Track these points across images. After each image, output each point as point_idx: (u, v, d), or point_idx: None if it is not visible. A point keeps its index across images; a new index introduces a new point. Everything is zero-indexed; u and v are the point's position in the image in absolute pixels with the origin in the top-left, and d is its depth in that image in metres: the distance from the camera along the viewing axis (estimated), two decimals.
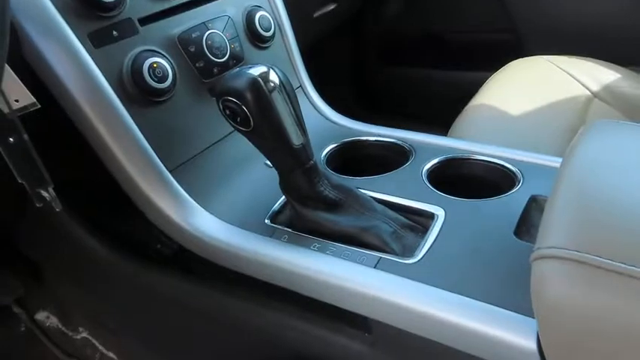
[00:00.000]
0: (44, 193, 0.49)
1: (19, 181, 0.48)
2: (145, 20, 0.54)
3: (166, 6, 0.57)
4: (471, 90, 0.98)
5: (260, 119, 0.45)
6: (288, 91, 0.47)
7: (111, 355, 0.85)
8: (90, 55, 0.49)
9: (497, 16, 1.26)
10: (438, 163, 0.58)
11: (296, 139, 0.48)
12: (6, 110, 0.42)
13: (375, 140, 0.65)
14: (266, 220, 0.54)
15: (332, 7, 1.14)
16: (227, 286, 0.57)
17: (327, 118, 0.71)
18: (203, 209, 0.54)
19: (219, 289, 0.59)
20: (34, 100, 0.43)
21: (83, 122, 0.50)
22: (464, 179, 0.58)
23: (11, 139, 0.44)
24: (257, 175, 0.60)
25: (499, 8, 1.24)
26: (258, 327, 0.56)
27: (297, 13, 0.76)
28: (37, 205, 0.51)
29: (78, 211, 0.65)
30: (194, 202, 0.54)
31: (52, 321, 0.88)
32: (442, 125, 0.91)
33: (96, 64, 0.49)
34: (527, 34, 1.24)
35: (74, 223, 0.66)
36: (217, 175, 0.58)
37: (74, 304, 0.85)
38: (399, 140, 0.64)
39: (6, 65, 0.40)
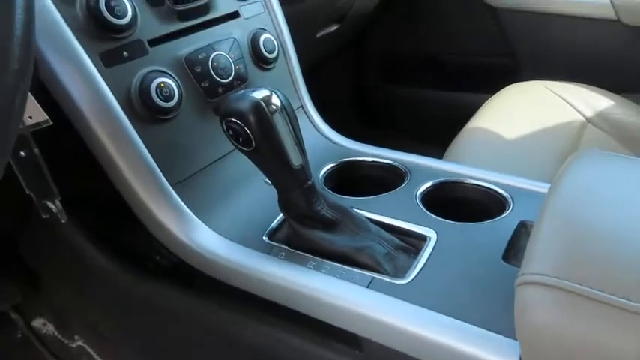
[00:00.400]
0: (51, 205, 0.51)
1: (27, 192, 0.50)
2: (154, 42, 0.57)
3: (175, 28, 0.59)
4: (468, 111, 1.01)
5: (261, 140, 0.47)
6: (289, 113, 0.49)
7: None
8: (101, 74, 0.51)
9: (496, 41, 1.29)
10: (432, 186, 0.60)
11: (295, 159, 0.50)
12: (19, 126, 0.44)
13: (372, 161, 0.67)
14: (264, 237, 0.56)
15: (334, 28, 1.17)
16: (224, 300, 0.59)
17: (326, 138, 0.73)
18: (203, 224, 0.56)
19: (216, 303, 0.60)
20: (47, 117, 0.45)
21: (92, 138, 0.52)
22: (456, 202, 0.60)
23: (22, 153, 0.46)
24: (256, 193, 0.62)
25: (498, 34, 1.27)
26: (253, 341, 0.58)
27: (300, 33, 0.79)
28: (44, 216, 0.52)
29: (80, 221, 0.67)
30: (195, 217, 0.56)
31: (49, 328, 0.89)
32: (439, 145, 0.94)
33: (106, 83, 0.52)
34: (525, 60, 1.28)
35: (76, 233, 0.67)
36: (218, 192, 0.60)
37: (71, 312, 0.86)
38: (395, 162, 0.66)
39: None
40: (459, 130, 0.94)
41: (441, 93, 1.39)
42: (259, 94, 0.47)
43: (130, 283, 0.69)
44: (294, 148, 0.49)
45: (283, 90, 0.49)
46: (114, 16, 0.52)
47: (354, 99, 1.53)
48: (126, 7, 0.53)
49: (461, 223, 0.54)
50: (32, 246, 0.80)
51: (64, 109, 0.50)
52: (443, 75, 1.42)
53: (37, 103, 0.45)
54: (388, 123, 1.51)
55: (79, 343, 0.87)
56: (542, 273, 0.36)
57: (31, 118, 0.45)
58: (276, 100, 0.48)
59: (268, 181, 0.64)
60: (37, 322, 0.89)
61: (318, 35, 1.11)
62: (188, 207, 0.57)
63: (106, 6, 0.51)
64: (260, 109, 0.47)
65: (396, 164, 0.65)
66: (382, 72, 1.49)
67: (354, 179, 0.68)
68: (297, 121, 0.50)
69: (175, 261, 0.59)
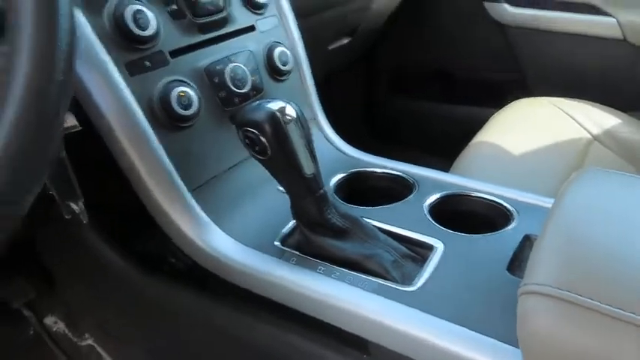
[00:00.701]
0: (74, 206, 0.53)
1: (49, 192, 0.52)
2: (175, 53, 0.59)
3: (194, 40, 0.61)
4: (475, 125, 1.03)
5: (276, 149, 0.50)
6: (303, 124, 0.51)
7: None
8: (125, 82, 0.54)
9: (503, 56, 1.31)
10: (439, 198, 0.62)
11: (308, 168, 0.52)
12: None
13: (381, 172, 0.69)
14: (276, 243, 0.58)
15: (346, 41, 1.20)
16: (236, 303, 0.61)
17: (337, 149, 0.75)
18: (218, 228, 0.58)
19: (228, 305, 0.62)
20: (77, 122, 0.47)
21: (115, 143, 0.54)
22: (462, 214, 0.62)
23: None
24: (269, 199, 0.64)
25: (505, 49, 1.30)
26: (263, 343, 0.59)
27: (313, 45, 0.81)
28: (66, 216, 0.55)
29: (99, 222, 0.69)
30: (210, 222, 0.58)
31: (60, 326, 0.91)
32: (446, 157, 0.96)
33: (130, 91, 0.54)
34: (531, 76, 1.30)
35: (94, 234, 0.70)
36: (233, 197, 0.62)
37: (83, 311, 0.88)
38: (403, 174, 0.68)
39: None
40: (466, 144, 0.96)
41: (449, 107, 1.41)
42: (275, 105, 0.50)
43: (144, 284, 0.71)
44: (307, 158, 0.52)
45: (296, 101, 0.52)
46: (139, 28, 0.55)
47: (364, 111, 1.56)
48: (150, 20, 0.56)
49: (467, 234, 0.55)
50: (49, 244, 0.82)
51: (90, 115, 0.53)
52: (450, 89, 1.44)
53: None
54: (397, 135, 1.53)
55: (89, 342, 0.89)
56: (544, 284, 0.38)
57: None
58: (291, 111, 0.50)
59: (281, 188, 0.66)
60: (49, 320, 0.91)
61: (330, 48, 1.14)
62: (204, 211, 0.59)
63: (132, 18, 0.54)
64: (276, 120, 0.49)
65: (404, 176, 0.67)
66: (392, 85, 1.52)
67: (363, 189, 0.70)
68: (310, 131, 0.52)
69: (190, 264, 0.61)
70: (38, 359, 0.91)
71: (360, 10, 1.14)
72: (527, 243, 0.54)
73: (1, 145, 0.27)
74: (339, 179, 0.68)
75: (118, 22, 0.54)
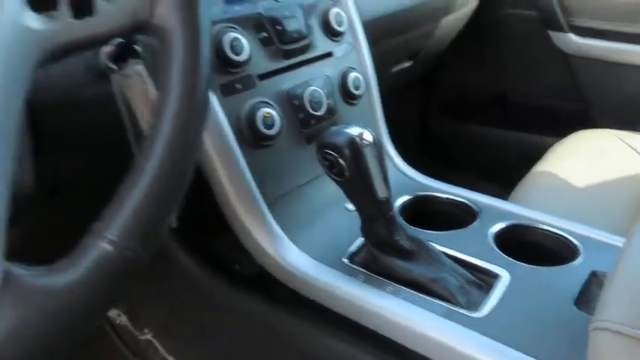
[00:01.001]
0: None
1: None
2: (262, 76, 0.64)
3: (280, 65, 0.66)
4: (533, 153, 1.03)
5: (353, 172, 0.53)
6: (378, 149, 0.55)
7: (171, 359, 0.92)
8: (219, 102, 0.59)
9: (566, 85, 1.30)
10: (504, 227, 0.64)
11: (381, 192, 0.55)
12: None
13: (446, 198, 0.71)
14: (344, 259, 0.61)
15: (408, 64, 1.23)
16: (302, 312, 0.64)
17: (401, 172, 0.78)
18: (290, 242, 0.62)
19: (293, 315, 0.66)
20: None
21: (204, 157, 0.59)
22: (527, 245, 0.63)
23: None
24: (337, 217, 0.67)
25: (569, 78, 1.29)
26: (326, 355, 0.62)
27: (378, 68, 0.85)
28: None
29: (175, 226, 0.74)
30: (283, 235, 0.62)
31: (122, 319, 0.97)
32: (502, 183, 0.96)
33: (222, 110, 0.59)
34: (596, 107, 1.28)
35: (170, 236, 0.75)
36: (304, 212, 0.66)
37: (146, 306, 0.93)
38: (468, 201, 0.70)
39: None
40: (524, 172, 0.96)
41: (507, 133, 1.41)
42: (354, 130, 0.53)
43: (212, 286, 0.76)
44: (381, 181, 0.55)
45: (365, 124, 0.55)
46: (234, 54, 0.60)
47: (418, 132, 1.58)
48: (244, 46, 0.61)
49: (533, 265, 0.57)
50: None
51: None
52: (509, 115, 1.44)
53: None
54: (450, 157, 1.54)
55: (148, 336, 0.94)
56: (616, 321, 0.39)
57: None
58: (368, 137, 0.54)
59: (348, 206, 0.70)
60: (113, 313, 0.96)
61: (392, 70, 1.17)
62: (278, 224, 0.63)
63: (229, 45, 0.59)
64: (354, 145, 0.53)
65: (468, 203, 0.69)
66: (448, 108, 1.53)
67: (427, 212, 0.72)
68: (384, 156, 0.55)
69: (258, 270, 0.65)
70: (100, 349, 0.97)
71: (425, 36, 1.17)
72: (594, 279, 0.55)
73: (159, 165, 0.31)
74: (405, 201, 0.71)
75: (217, 47, 0.59)
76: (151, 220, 0.31)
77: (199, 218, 0.73)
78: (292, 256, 0.61)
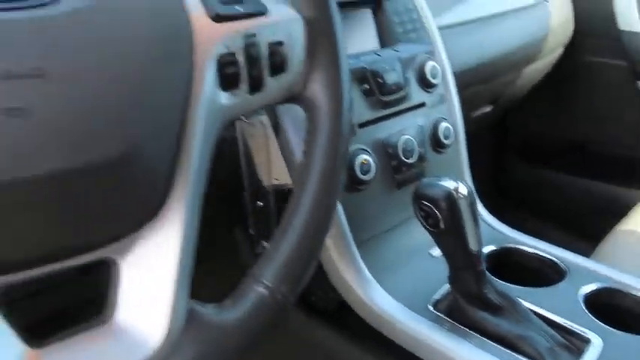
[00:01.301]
0: (266, 245, 0.63)
1: (250, 231, 0.63)
2: (362, 125, 0.68)
3: (378, 115, 0.70)
4: (618, 205, 1.00)
5: (448, 224, 0.55)
6: (472, 202, 0.57)
7: None
8: None
9: None
10: (595, 289, 0.63)
11: (473, 244, 0.57)
12: (265, 182, 0.57)
13: (533, 253, 0.72)
14: (429, 306, 0.63)
15: (488, 109, 1.24)
16: (381, 353, 0.66)
17: (485, 222, 0.79)
18: (377, 284, 0.65)
19: (371, 353, 0.68)
20: (290, 182, 0.57)
21: None
22: (619, 310, 0.62)
23: (260, 203, 0.59)
24: (423, 262, 0.69)
25: None
26: None
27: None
28: (257, 251, 0.65)
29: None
30: (372, 277, 0.65)
31: None
32: (581, 235, 0.94)
33: None
34: None
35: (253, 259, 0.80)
36: (390, 256, 0.69)
37: None
38: (556, 258, 0.70)
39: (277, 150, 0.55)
40: (608, 226, 0.94)
41: (588, 182, 1.37)
42: (450, 184, 0.56)
43: (290, 315, 0.80)
44: (474, 234, 0.57)
45: (452, 172, 0.57)
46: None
47: (493, 176, 1.57)
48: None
49: (627, 332, 0.56)
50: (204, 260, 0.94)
51: (291, 174, 0.63)
52: (588, 163, 1.40)
53: (286, 167, 0.57)
54: (526, 203, 1.51)
55: None
56: None
57: (277, 179, 0.58)
58: (463, 190, 0.56)
59: (433, 253, 0.72)
60: None
61: (473, 115, 1.19)
62: (366, 265, 0.66)
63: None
64: (452, 199, 0.55)
65: (556, 260, 0.69)
66: (524, 152, 1.51)
67: (510, 265, 0.73)
68: (477, 210, 0.57)
69: (335, 305, 0.68)
70: None
71: (508, 84, 1.18)
72: None
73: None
74: (489, 252, 0.72)
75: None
76: (298, 269, 0.35)
77: None
78: (378, 297, 0.63)
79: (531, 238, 0.75)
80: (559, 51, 1.30)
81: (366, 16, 0.78)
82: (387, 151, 0.70)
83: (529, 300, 0.62)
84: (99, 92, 0.25)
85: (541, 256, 0.71)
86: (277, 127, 0.61)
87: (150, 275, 0.28)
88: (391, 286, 0.66)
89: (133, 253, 0.28)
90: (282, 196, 0.58)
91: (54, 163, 0.23)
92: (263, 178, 0.58)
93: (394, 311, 0.62)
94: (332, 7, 0.37)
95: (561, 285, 0.65)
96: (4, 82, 0.22)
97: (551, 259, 0.70)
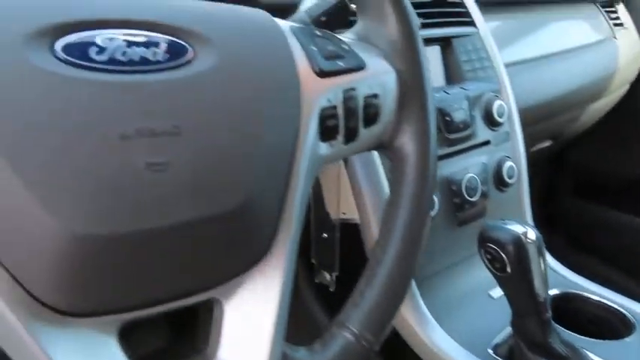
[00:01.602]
0: (326, 275, 0.65)
1: (312, 261, 0.64)
2: None
3: (444, 152, 0.71)
4: None
5: (515, 270, 0.55)
6: (540, 248, 0.56)
7: None
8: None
9: None
10: None
11: (541, 291, 0.56)
12: (333, 216, 0.59)
13: (597, 301, 0.69)
14: (489, 350, 0.62)
15: (547, 144, 1.22)
16: None
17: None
18: (438, 325, 0.64)
19: None
20: (358, 217, 0.59)
21: (368, 234, 0.64)
22: None
23: (325, 235, 0.61)
24: (482, 303, 0.68)
25: None
26: None
27: None
28: (316, 280, 0.66)
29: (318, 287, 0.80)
30: (432, 318, 0.65)
31: None
32: (629, 272, 0.89)
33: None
34: None
35: (314, 297, 0.80)
36: (450, 295, 0.69)
37: None
38: (623, 309, 0.67)
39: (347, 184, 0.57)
40: None
41: None
42: (519, 228, 0.55)
43: None
44: (541, 281, 0.56)
45: (514, 211, 0.56)
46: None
47: (547, 212, 1.53)
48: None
49: None
50: None
51: (359, 209, 0.64)
52: None
53: (354, 203, 0.59)
54: (579, 239, 1.46)
55: None
56: None
57: (344, 213, 0.59)
58: (532, 236, 0.55)
59: (492, 294, 0.71)
60: None
61: (532, 149, 1.17)
62: (425, 303, 0.66)
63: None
64: (520, 244, 0.54)
65: (624, 312, 0.67)
66: (581, 188, 1.47)
67: (572, 312, 0.71)
68: (545, 255, 0.56)
69: (392, 335, 0.68)
70: None
71: (571, 120, 1.16)
72: None
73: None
74: (551, 296, 0.70)
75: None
76: (383, 317, 0.36)
77: (346, 284, 0.78)
78: (438, 338, 0.63)
79: (593, 283, 0.73)
80: (625, 88, 1.27)
81: (435, 52, 0.79)
82: (450, 189, 0.70)
83: (596, 352, 0.60)
84: (224, 148, 0.27)
85: (607, 305, 0.68)
86: (346, 161, 0.63)
87: (251, 317, 0.29)
88: (451, 326, 0.65)
89: (237, 295, 0.30)
90: (348, 229, 0.59)
91: (186, 213, 0.26)
92: (330, 211, 0.59)
93: (454, 353, 0.61)
94: (423, 60, 0.38)
95: (630, 339, 0.62)
96: (148, 139, 0.24)
97: (618, 310, 0.67)
